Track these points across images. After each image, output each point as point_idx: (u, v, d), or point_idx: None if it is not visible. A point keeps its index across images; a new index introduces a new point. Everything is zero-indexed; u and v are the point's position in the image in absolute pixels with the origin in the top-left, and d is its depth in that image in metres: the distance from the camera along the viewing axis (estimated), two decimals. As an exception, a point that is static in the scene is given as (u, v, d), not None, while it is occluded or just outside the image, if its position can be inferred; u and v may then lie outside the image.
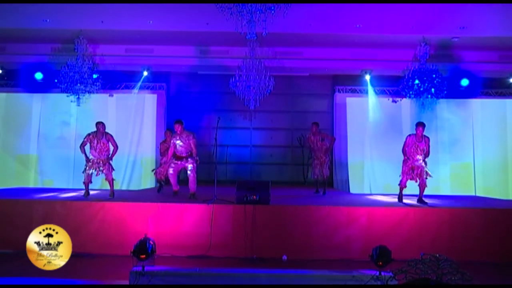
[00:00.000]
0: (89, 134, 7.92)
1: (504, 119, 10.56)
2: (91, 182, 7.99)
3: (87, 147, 7.92)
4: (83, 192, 7.93)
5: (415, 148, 7.70)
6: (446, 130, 10.64)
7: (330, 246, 6.79)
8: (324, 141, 9.20)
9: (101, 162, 7.87)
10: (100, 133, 7.89)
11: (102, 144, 7.87)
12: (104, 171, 7.91)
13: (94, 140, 7.84)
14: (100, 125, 7.91)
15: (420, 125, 7.74)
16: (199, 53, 9.89)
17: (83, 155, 7.88)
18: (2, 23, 8.42)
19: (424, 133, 7.76)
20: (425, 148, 7.70)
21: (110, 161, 7.99)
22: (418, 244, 6.58)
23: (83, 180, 7.91)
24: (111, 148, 8.01)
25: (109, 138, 7.94)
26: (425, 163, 7.75)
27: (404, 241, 6.67)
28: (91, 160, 7.86)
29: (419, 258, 3.65)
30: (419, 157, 7.69)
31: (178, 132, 7.91)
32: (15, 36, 9.18)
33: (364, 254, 5.58)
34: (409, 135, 7.88)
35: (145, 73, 10.27)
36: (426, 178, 7.72)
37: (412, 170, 7.77)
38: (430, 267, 3.52)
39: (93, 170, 7.87)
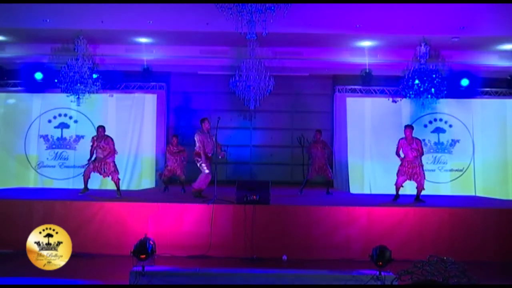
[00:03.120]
0: (92, 138, 8.13)
1: (504, 119, 10.55)
2: (89, 177, 8.12)
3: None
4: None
5: (410, 149, 7.87)
6: (446, 130, 10.63)
7: (330, 246, 6.79)
8: (325, 149, 9.39)
9: (104, 163, 8.00)
10: (100, 136, 8.06)
11: (101, 147, 8.00)
12: (109, 173, 8.04)
13: (95, 143, 8.04)
14: (100, 128, 8.15)
15: (407, 127, 7.99)
16: (199, 53, 9.89)
17: (90, 157, 8.11)
18: (2, 23, 8.42)
19: (416, 135, 8.01)
20: (418, 148, 7.88)
21: (115, 163, 8.14)
22: (418, 244, 6.58)
23: (83, 174, 8.13)
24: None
25: (108, 141, 8.09)
26: (422, 166, 7.93)
27: (404, 241, 6.67)
28: (96, 160, 8.02)
29: (426, 260, 3.64)
30: (415, 157, 7.85)
31: (206, 129, 7.98)
32: (15, 36, 9.19)
33: (364, 254, 5.58)
34: (401, 138, 8.05)
35: (145, 73, 10.27)
36: (424, 181, 7.89)
37: (409, 172, 7.89)
38: (437, 269, 3.51)
39: (94, 169, 8.03)
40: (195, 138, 7.92)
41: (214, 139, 7.86)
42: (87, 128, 10.42)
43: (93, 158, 8.07)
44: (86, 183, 8.12)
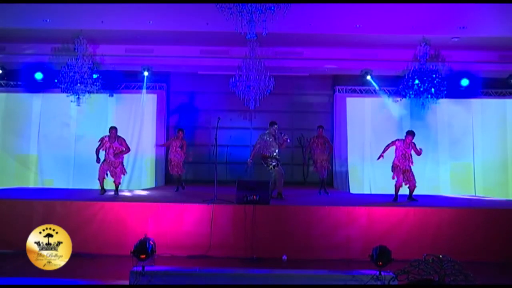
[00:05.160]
0: (103, 138, 8.07)
1: (504, 119, 10.55)
2: (105, 177, 8.10)
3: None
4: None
5: (403, 154, 7.93)
6: (446, 130, 10.63)
7: (330, 246, 6.79)
8: (325, 145, 9.41)
9: (113, 166, 8.05)
10: (113, 137, 8.03)
11: (114, 148, 8.02)
12: (116, 173, 8.08)
13: (107, 144, 8.02)
14: (112, 130, 8.09)
15: (410, 134, 7.98)
16: (199, 53, 9.89)
17: (96, 157, 8.02)
18: (2, 23, 8.42)
19: (417, 134, 8.04)
20: (413, 150, 7.95)
21: (123, 164, 8.20)
22: (418, 244, 6.58)
23: (97, 177, 8.07)
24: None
25: (121, 141, 8.10)
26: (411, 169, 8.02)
27: (404, 241, 6.66)
28: (106, 161, 8.03)
29: (422, 259, 3.63)
30: (406, 161, 7.95)
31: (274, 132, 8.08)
32: (15, 36, 9.18)
33: (364, 254, 5.58)
34: (398, 139, 8.07)
35: (146, 73, 10.28)
36: (414, 179, 7.98)
37: (403, 172, 7.98)
38: (433, 268, 3.50)
39: (106, 170, 8.06)
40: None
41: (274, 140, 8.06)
42: (87, 128, 10.42)
43: (102, 160, 8.03)
44: (102, 184, 8.12)
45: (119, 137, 8.10)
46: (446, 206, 7.39)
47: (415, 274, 3.51)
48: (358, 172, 10.62)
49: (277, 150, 8.10)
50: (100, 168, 8.02)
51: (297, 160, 11.43)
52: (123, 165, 8.22)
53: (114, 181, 8.19)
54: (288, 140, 8.17)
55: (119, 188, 8.34)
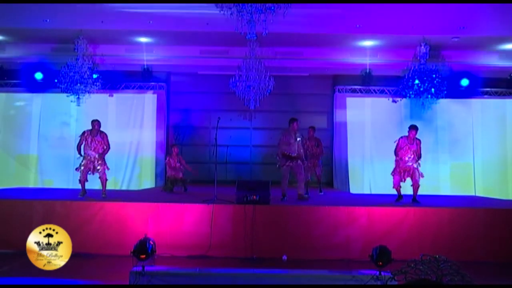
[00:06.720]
0: (83, 132, 7.84)
1: (504, 119, 10.56)
2: (87, 180, 7.92)
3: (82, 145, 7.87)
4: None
5: (407, 150, 7.82)
6: (446, 130, 10.63)
7: (330, 246, 6.79)
8: (318, 147, 9.31)
9: (96, 160, 7.81)
10: (95, 130, 7.82)
11: (96, 142, 7.79)
12: (99, 169, 7.83)
13: (89, 138, 7.77)
14: (95, 123, 7.85)
15: (413, 128, 7.86)
16: (199, 53, 9.89)
17: (77, 153, 7.83)
18: (2, 23, 8.42)
19: (417, 136, 7.89)
20: (416, 150, 7.82)
21: (104, 160, 7.90)
22: (418, 244, 6.58)
23: (79, 178, 7.85)
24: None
25: (104, 136, 7.87)
26: (418, 164, 7.85)
27: (404, 241, 6.66)
28: (86, 158, 7.76)
29: (419, 259, 3.63)
30: (410, 158, 7.80)
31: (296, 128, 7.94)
32: (15, 36, 9.19)
33: (364, 254, 5.58)
34: (401, 137, 7.96)
35: (145, 73, 10.27)
36: (419, 179, 7.82)
37: (404, 172, 7.85)
38: (430, 268, 3.50)
39: (88, 169, 7.79)
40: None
41: (299, 140, 7.95)
42: (87, 128, 10.38)
43: (82, 156, 7.75)
44: (83, 186, 7.87)
45: (102, 132, 7.86)
46: (446, 206, 7.39)
47: (412, 274, 3.51)
48: (358, 172, 10.62)
49: (300, 150, 7.95)
50: (82, 170, 7.75)
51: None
52: (104, 160, 7.89)
53: (100, 178, 7.89)
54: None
55: (106, 187, 7.98)
